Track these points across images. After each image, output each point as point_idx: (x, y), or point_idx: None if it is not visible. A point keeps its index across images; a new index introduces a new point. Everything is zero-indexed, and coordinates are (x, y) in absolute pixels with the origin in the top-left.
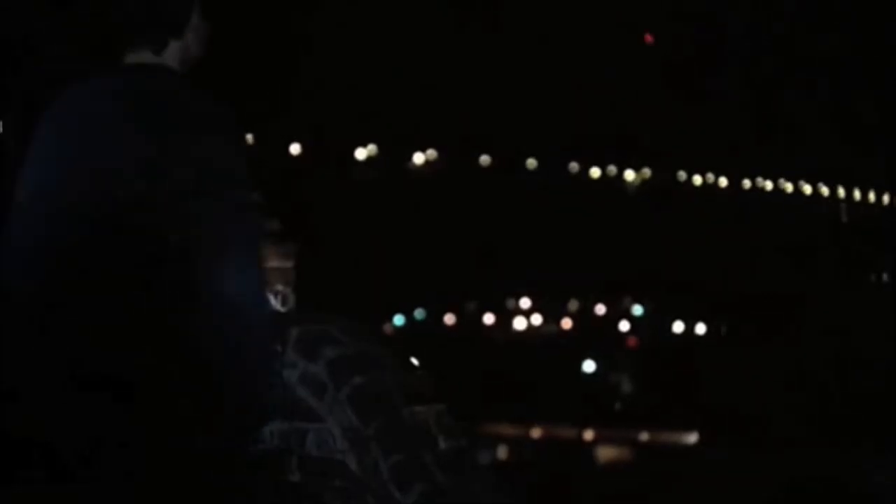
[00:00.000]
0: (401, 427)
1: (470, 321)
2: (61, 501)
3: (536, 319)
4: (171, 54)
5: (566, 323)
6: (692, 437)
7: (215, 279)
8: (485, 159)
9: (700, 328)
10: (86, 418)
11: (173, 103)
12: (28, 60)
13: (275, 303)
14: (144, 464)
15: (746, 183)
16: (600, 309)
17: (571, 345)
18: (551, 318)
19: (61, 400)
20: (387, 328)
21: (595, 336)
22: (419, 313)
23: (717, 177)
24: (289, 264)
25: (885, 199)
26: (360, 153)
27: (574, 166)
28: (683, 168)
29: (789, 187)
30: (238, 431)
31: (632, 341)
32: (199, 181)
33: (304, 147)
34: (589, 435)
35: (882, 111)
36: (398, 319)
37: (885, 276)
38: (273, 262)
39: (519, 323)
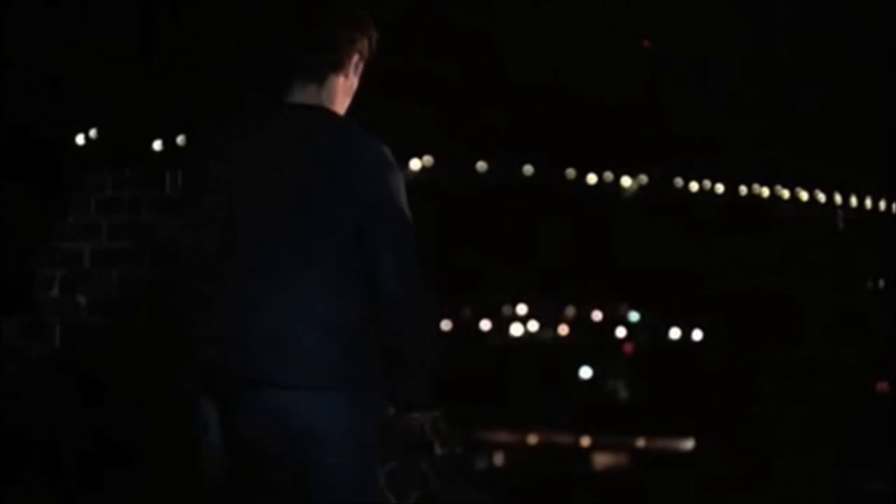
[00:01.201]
0: (397, 434)
1: (466, 327)
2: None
3: (533, 325)
4: (331, 89)
5: (563, 329)
6: (689, 444)
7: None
8: (481, 165)
9: (697, 334)
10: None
11: (343, 147)
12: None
13: None
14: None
15: (743, 189)
16: (597, 315)
17: (568, 351)
18: (548, 324)
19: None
20: None
21: (592, 342)
22: None
23: (713, 183)
24: None
25: (882, 205)
26: None
27: (570, 172)
28: (680, 174)
29: (786, 194)
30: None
31: (628, 347)
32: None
33: None
34: (585, 441)
35: (878, 116)
36: None
37: (881, 283)
38: None
39: (515, 329)
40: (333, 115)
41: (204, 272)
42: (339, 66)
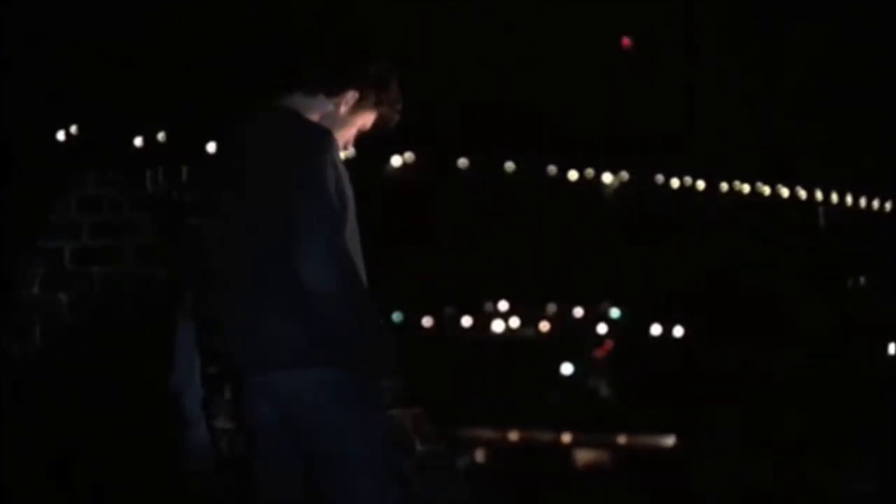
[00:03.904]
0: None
1: (448, 324)
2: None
3: (514, 322)
4: (314, 107)
5: (544, 326)
6: (669, 440)
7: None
8: (463, 162)
9: (678, 330)
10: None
11: (285, 136)
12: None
13: None
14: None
15: (724, 186)
16: (578, 311)
17: (549, 347)
18: (529, 320)
19: None
20: None
21: (573, 339)
22: (396, 316)
23: (694, 180)
24: None
25: (863, 202)
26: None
27: (552, 169)
28: (661, 171)
29: (766, 190)
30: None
31: (609, 343)
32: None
33: None
34: (566, 438)
35: (863, 114)
36: None
37: (862, 280)
38: None
39: (497, 326)
40: (293, 113)
41: (208, 269)
42: (331, 92)
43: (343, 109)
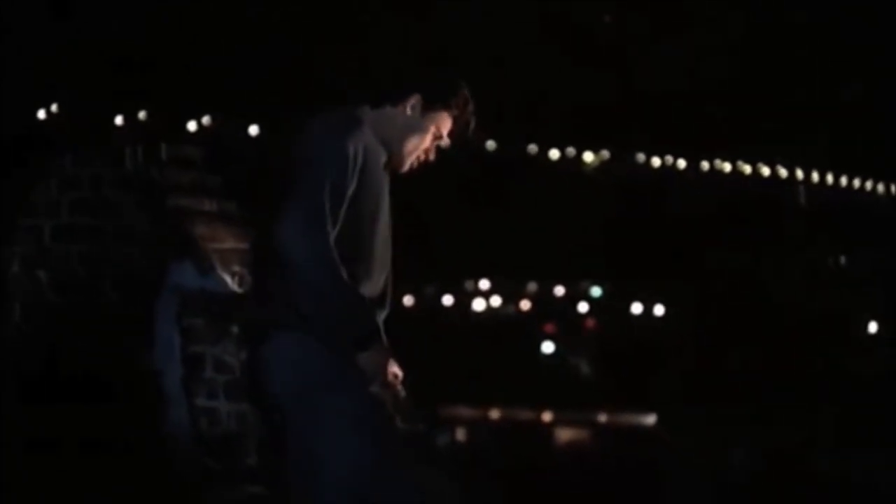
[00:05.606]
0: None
1: (428, 303)
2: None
3: (495, 301)
4: (378, 115)
5: (524, 304)
6: (651, 419)
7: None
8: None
9: (659, 309)
10: None
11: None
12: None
13: (231, 283)
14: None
15: (705, 165)
16: (559, 290)
17: (530, 326)
18: (510, 299)
19: None
20: None
21: (554, 317)
22: None
23: (675, 158)
24: (245, 246)
25: (843, 181)
26: None
27: (533, 147)
28: (642, 150)
29: (748, 169)
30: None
31: (590, 322)
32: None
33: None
34: (547, 416)
35: (848, 94)
36: None
37: (843, 260)
38: (229, 244)
39: (478, 304)
40: (348, 114)
41: None
42: (394, 101)
43: (410, 112)
